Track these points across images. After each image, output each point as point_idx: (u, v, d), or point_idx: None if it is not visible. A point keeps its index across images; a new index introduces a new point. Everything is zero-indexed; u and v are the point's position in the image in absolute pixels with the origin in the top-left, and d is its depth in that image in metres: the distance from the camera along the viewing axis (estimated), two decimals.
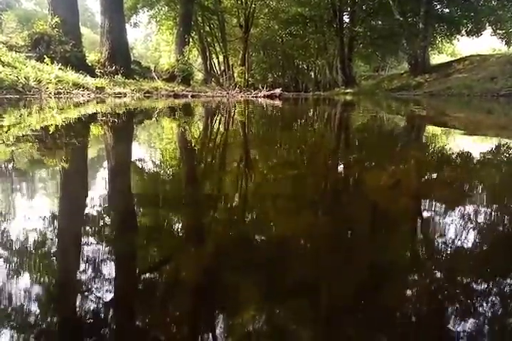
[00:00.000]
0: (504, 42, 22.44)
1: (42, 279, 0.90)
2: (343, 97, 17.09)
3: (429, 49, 23.36)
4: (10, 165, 2.11)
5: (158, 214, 1.38)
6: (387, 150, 2.97)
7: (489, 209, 1.44)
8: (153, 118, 5.31)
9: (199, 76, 26.12)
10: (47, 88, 8.88)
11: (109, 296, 0.83)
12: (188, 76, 17.90)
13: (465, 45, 39.97)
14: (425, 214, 1.38)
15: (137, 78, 14.50)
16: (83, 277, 0.91)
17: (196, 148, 2.97)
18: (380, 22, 27.21)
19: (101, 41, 14.74)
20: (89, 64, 13.26)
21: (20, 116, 4.58)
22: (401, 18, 20.37)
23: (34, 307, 0.78)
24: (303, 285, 0.90)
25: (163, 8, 25.94)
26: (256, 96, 15.05)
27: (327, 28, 27.14)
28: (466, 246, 1.12)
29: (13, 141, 2.76)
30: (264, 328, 0.74)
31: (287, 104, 10.95)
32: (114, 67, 13.48)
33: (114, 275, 0.93)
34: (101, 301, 0.81)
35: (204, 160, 2.48)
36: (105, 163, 2.33)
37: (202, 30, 27.06)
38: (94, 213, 1.35)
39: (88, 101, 8.30)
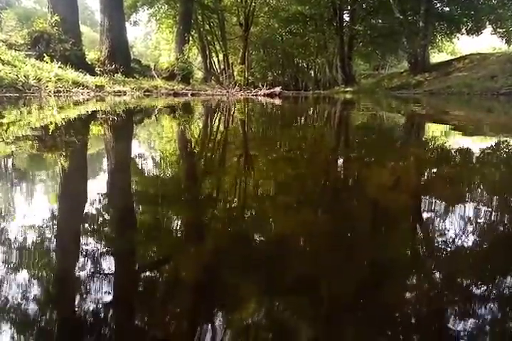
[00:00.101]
0: (504, 41, 22.41)
1: (40, 278, 0.90)
2: (342, 96, 17.07)
3: (429, 47, 23.34)
4: (9, 163, 2.10)
5: (158, 212, 1.38)
6: (387, 148, 2.97)
7: (489, 205, 1.44)
8: (153, 117, 5.31)
9: (199, 74, 26.08)
10: (46, 86, 8.88)
11: (107, 294, 0.83)
12: (188, 74, 17.89)
13: (465, 44, 40.01)
14: (425, 210, 1.38)
15: (137, 76, 14.47)
16: (82, 275, 0.91)
17: (196, 146, 2.97)
18: (380, 20, 27.15)
19: (101, 39, 14.72)
20: (89, 62, 13.24)
21: (20, 115, 4.58)
22: (401, 17, 20.34)
23: (32, 306, 0.78)
24: (303, 282, 0.90)
25: (163, 7, 25.90)
26: (256, 95, 15.04)
27: (327, 27, 27.10)
28: (466, 244, 1.12)
29: (12, 139, 2.76)
30: (263, 325, 0.74)
31: (287, 102, 10.94)
32: (113, 66, 13.46)
33: (112, 273, 0.93)
34: (100, 299, 0.81)
35: (204, 157, 2.48)
36: (104, 161, 2.33)
37: (202, 29, 27.01)
38: (92, 211, 1.35)
39: (88, 99, 8.29)
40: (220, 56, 28.88)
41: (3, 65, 8.71)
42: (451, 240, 1.13)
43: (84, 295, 0.82)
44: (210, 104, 9.08)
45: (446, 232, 1.19)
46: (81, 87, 9.78)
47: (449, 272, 0.94)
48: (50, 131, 3.34)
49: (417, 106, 9.02)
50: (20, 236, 1.10)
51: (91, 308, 0.77)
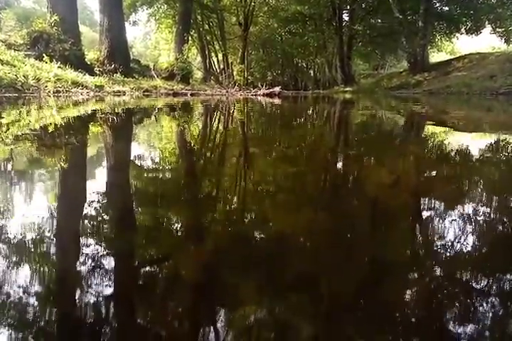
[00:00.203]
0: (503, 41, 22.43)
1: (38, 276, 0.90)
2: (342, 95, 17.07)
3: (429, 47, 23.34)
4: (9, 163, 2.10)
5: (157, 211, 1.37)
6: (387, 146, 2.97)
7: (488, 203, 1.44)
8: (153, 117, 5.31)
9: (198, 74, 26.09)
10: (46, 86, 8.87)
11: (107, 293, 0.83)
12: (188, 74, 17.88)
13: (464, 44, 40.04)
14: (424, 208, 1.38)
15: (136, 76, 14.47)
16: (81, 275, 0.91)
17: (196, 146, 2.97)
18: (379, 20, 27.15)
19: (100, 39, 14.71)
20: (88, 62, 13.24)
21: (19, 115, 4.57)
22: (400, 16, 20.33)
23: (30, 304, 0.78)
24: (303, 280, 0.90)
25: (162, 7, 25.89)
26: (255, 95, 15.04)
27: (326, 27, 27.09)
28: (465, 242, 1.12)
29: (12, 139, 2.76)
30: (263, 324, 0.74)
31: (286, 102, 10.94)
32: (113, 66, 13.46)
33: (111, 271, 0.93)
34: (99, 299, 0.81)
35: (204, 156, 2.48)
36: (104, 161, 2.33)
37: (201, 29, 27.01)
38: (91, 210, 1.35)
39: (87, 99, 8.29)
40: (220, 56, 28.88)
41: (2, 65, 8.70)
42: (450, 238, 1.13)
43: (84, 295, 0.82)
44: (209, 103, 9.08)
45: (446, 230, 1.19)
46: (80, 87, 9.77)
47: (449, 270, 0.94)
48: (50, 131, 3.33)
49: (417, 105, 9.02)
50: (18, 235, 1.09)
51: (90, 308, 0.77)
